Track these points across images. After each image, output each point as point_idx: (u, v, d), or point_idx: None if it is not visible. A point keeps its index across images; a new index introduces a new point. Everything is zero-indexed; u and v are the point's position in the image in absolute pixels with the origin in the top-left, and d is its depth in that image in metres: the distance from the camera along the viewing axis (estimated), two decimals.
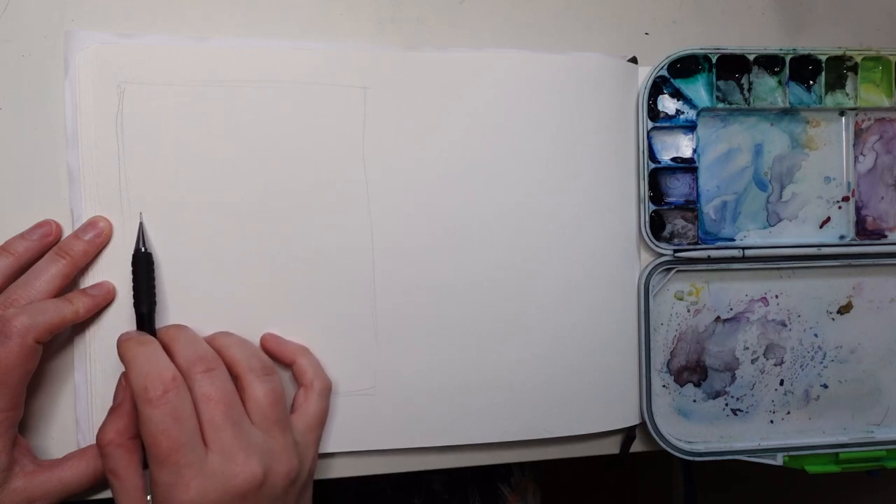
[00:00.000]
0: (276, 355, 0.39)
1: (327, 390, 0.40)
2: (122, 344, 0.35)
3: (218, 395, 0.34)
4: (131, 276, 0.38)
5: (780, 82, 0.45)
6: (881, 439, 0.47)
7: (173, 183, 0.39)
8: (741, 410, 0.47)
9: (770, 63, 0.45)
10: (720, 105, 0.45)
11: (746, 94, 0.45)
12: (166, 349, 0.36)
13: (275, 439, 0.35)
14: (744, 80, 0.45)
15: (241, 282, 0.40)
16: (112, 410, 0.36)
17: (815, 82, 0.46)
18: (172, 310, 0.39)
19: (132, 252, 0.38)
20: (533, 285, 0.43)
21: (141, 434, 0.33)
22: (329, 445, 0.41)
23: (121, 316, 0.39)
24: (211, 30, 0.41)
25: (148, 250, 0.39)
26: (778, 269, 0.46)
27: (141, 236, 0.39)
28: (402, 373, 0.42)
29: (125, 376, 0.35)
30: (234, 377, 0.36)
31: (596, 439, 0.45)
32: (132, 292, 0.38)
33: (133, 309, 0.38)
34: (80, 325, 0.39)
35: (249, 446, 0.34)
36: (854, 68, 0.46)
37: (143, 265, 0.38)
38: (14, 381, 0.35)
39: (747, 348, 0.46)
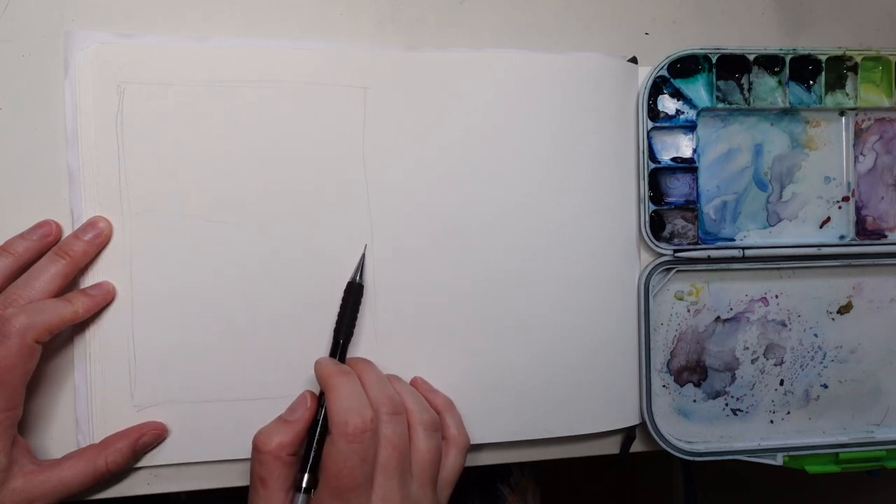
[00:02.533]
0: (427, 401, 0.40)
1: (466, 447, 0.40)
2: (324, 371, 0.37)
3: (398, 442, 0.35)
4: (340, 303, 0.40)
5: (780, 82, 0.45)
6: (881, 439, 0.47)
7: (173, 183, 0.39)
8: (741, 410, 0.47)
9: (770, 63, 0.45)
10: (720, 105, 0.45)
11: (746, 94, 0.45)
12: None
13: (426, 495, 0.36)
14: (744, 80, 0.45)
15: (240, 281, 0.40)
16: (284, 422, 0.36)
17: (815, 82, 0.46)
18: (168, 310, 0.39)
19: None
20: (533, 285, 0.43)
21: (325, 461, 0.34)
22: None
23: (121, 316, 0.39)
24: (211, 30, 0.41)
25: (362, 282, 0.40)
26: (778, 269, 0.46)
27: (360, 268, 0.40)
28: (402, 373, 0.42)
29: (326, 405, 0.36)
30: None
31: (596, 439, 0.45)
32: (336, 318, 0.40)
33: (334, 335, 0.40)
34: (80, 325, 0.39)
35: (406, 498, 0.35)
36: (854, 68, 0.46)
37: (354, 295, 0.40)
38: (13, 381, 0.35)
39: (747, 348, 0.46)
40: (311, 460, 0.36)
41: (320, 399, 0.37)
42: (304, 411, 0.37)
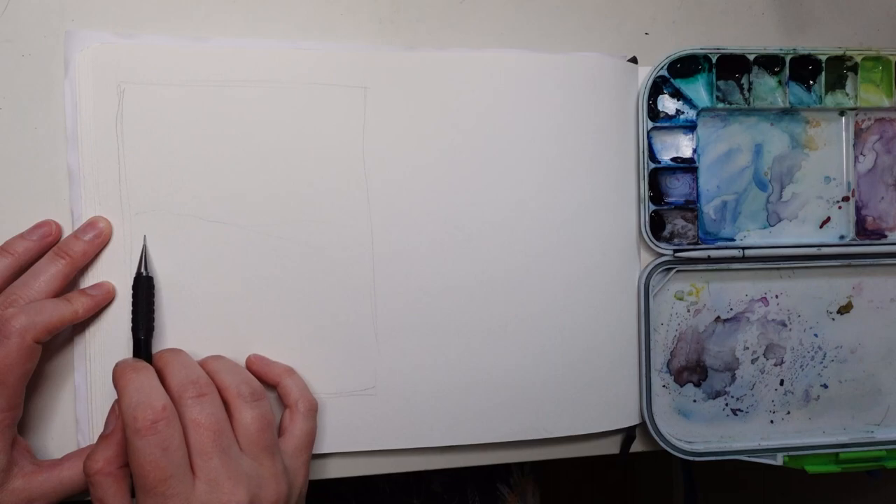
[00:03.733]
0: (262, 377, 0.39)
1: (313, 410, 0.39)
2: (116, 371, 0.35)
3: (207, 422, 0.34)
4: (131, 299, 0.38)
5: (780, 82, 0.45)
6: (881, 439, 0.47)
7: (173, 183, 0.39)
8: (741, 410, 0.47)
9: (770, 63, 0.45)
10: (720, 105, 0.45)
11: (746, 94, 0.45)
12: (160, 374, 0.36)
13: (263, 466, 0.35)
14: (744, 80, 0.45)
15: (240, 281, 0.40)
16: (102, 438, 0.35)
17: (815, 82, 0.46)
18: (167, 309, 0.39)
19: (133, 275, 0.38)
20: (533, 285, 0.43)
21: (129, 464, 0.33)
22: (329, 445, 0.41)
23: (121, 316, 0.39)
24: (211, 30, 0.41)
25: (149, 273, 0.39)
26: (778, 269, 0.46)
27: (143, 259, 0.39)
28: (402, 373, 0.42)
29: (117, 404, 0.35)
30: (224, 402, 0.36)
31: (596, 439, 0.45)
32: (130, 315, 0.38)
33: (131, 332, 0.38)
34: (80, 325, 0.39)
35: (237, 474, 0.34)
36: (854, 68, 0.46)
37: (143, 289, 0.38)
38: (13, 381, 0.35)
39: (747, 348, 0.46)
40: None
41: None
42: (114, 419, 0.36)
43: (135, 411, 0.33)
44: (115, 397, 0.36)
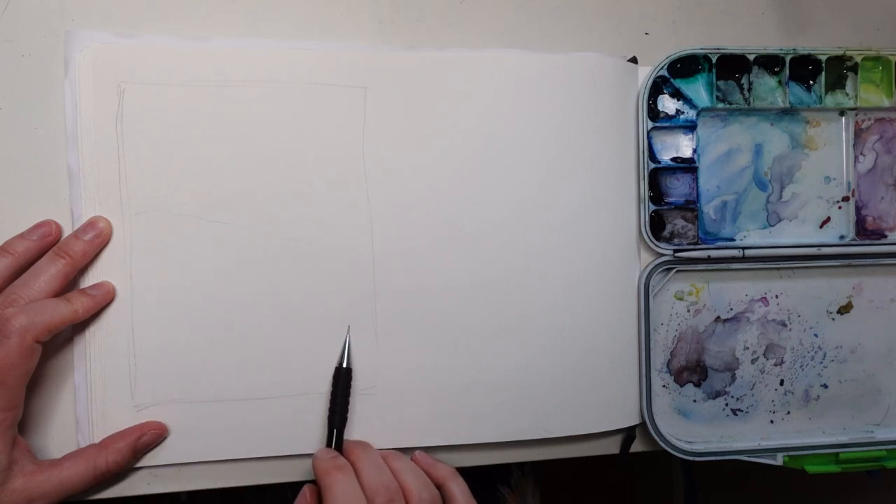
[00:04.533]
0: (427, 475, 0.40)
1: None
2: (322, 466, 0.37)
3: None
4: (330, 389, 0.40)
5: (780, 82, 0.45)
6: (881, 439, 0.47)
7: (173, 183, 0.39)
8: (741, 410, 0.47)
9: (770, 63, 0.45)
10: (720, 105, 0.45)
11: (746, 94, 0.45)
12: (352, 468, 0.38)
13: None
14: (744, 80, 0.45)
15: (240, 281, 0.40)
16: None
17: (815, 82, 0.46)
18: (168, 310, 0.39)
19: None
20: (533, 285, 0.43)
21: None
22: None
23: (121, 316, 0.39)
24: (211, 30, 0.41)
25: (349, 366, 0.40)
26: (778, 269, 0.46)
27: (346, 351, 0.40)
28: (402, 373, 0.42)
29: (309, 490, 0.38)
30: None
31: (596, 439, 0.45)
32: (328, 405, 0.40)
33: (328, 423, 0.40)
34: (80, 325, 0.39)
35: None
36: (854, 68, 0.46)
37: (343, 381, 0.40)
38: (13, 381, 0.35)
39: (747, 348, 0.46)
40: None
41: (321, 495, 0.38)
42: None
43: None
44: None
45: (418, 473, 0.39)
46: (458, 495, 0.40)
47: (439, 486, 0.40)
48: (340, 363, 0.40)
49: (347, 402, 0.40)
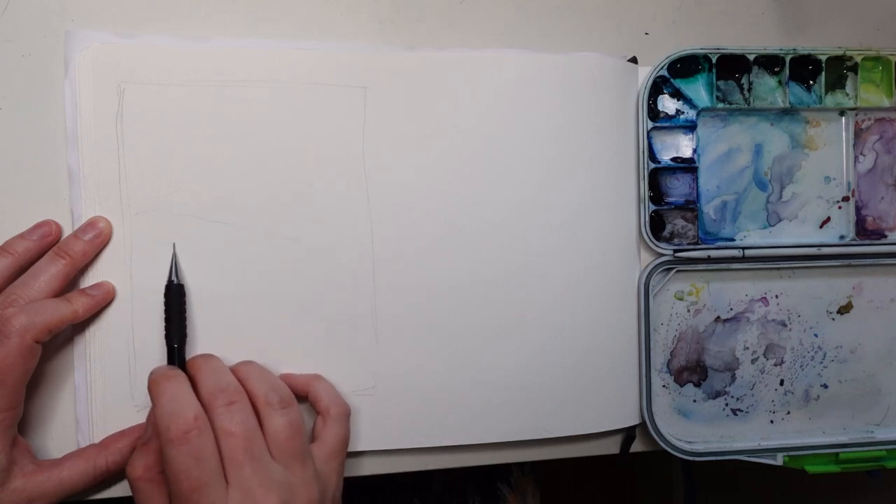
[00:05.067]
0: (291, 387, 0.39)
1: (345, 415, 0.39)
2: (151, 380, 0.36)
3: (238, 430, 0.34)
4: (163, 307, 0.39)
5: (780, 82, 0.45)
6: (881, 439, 0.47)
7: (173, 183, 0.39)
8: (741, 410, 0.47)
9: (770, 63, 0.45)
10: (720, 105, 0.45)
11: (746, 94, 0.45)
12: (193, 380, 0.36)
13: (294, 473, 0.35)
14: (744, 80, 0.45)
15: (239, 281, 0.40)
16: (141, 445, 0.36)
17: (815, 82, 0.46)
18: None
19: (164, 283, 0.39)
20: (533, 285, 0.43)
21: (164, 472, 0.34)
22: None
23: (121, 316, 0.39)
24: (211, 30, 0.41)
25: (180, 281, 0.39)
26: (778, 269, 0.46)
27: (174, 267, 0.39)
28: (402, 373, 0.42)
29: (153, 414, 0.36)
30: (255, 409, 0.36)
31: (596, 439, 0.45)
32: (164, 323, 0.39)
33: (166, 341, 0.38)
34: (80, 325, 0.39)
35: (269, 482, 0.34)
36: (854, 68, 0.46)
37: (175, 297, 0.39)
38: (13, 381, 0.35)
39: (747, 348, 0.46)
40: None
41: None
42: (151, 427, 0.36)
43: (168, 421, 0.33)
44: (145, 403, 0.37)
45: (266, 377, 0.38)
46: (323, 398, 0.39)
47: (305, 394, 0.39)
48: (170, 280, 0.39)
49: (184, 318, 0.39)
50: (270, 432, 0.36)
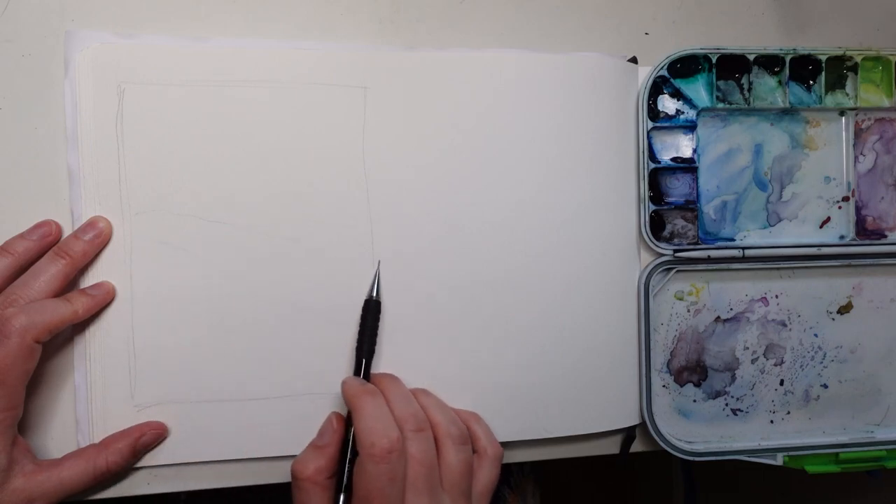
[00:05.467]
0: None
1: (499, 458, 0.40)
2: (350, 391, 0.37)
3: (423, 458, 0.35)
4: (359, 321, 0.40)
5: (780, 82, 0.45)
6: (881, 439, 0.47)
7: (173, 183, 0.39)
8: (741, 410, 0.47)
9: (770, 63, 0.45)
10: (720, 105, 0.45)
11: (746, 94, 0.45)
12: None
13: None
14: (744, 80, 0.45)
15: (240, 281, 0.40)
16: (316, 448, 0.37)
17: (815, 82, 0.46)
18: (168, 310, 0.39)
19: (364, 298, 0.40)
20: (533, 285, 0.43)
21: (355, 483, 0.35)
22: None
23: (121, 316, 0.39)
24: (211, 30, 0.41)
25: (379, 298, 0.40)
26: (778, 269, 0.46)
27: (376, 283, 0.40)
28: (403, 373, 0.42)
29: (354, 426, 0.36)
30: (434, 440, 0.37)
31: (596, 439, 0.45)
32: (357, 336, 0.40)
33: (356, 353, 0.40)
34: (80, 325, 0.39)
35: None
36: (854, 68, 0.46)
37: (372, 312, 0.40)
38: (13, 381, 0.35)
39: (747, 348, 0.46)
40: (344, 482, 0.37)
41: (347, 420, 0.38)
42: (332, 434, 0.37)
43: (372, 436, 0.34)
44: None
45: (446, 409, 0.39)
46: (482, 439, 0.40)
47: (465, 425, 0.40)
48: (370, 295, 0.40)
49: (376, 334, 0.40)
50: (446, 465, 0.37)
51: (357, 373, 0.40)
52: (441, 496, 0.36)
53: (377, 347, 0.40)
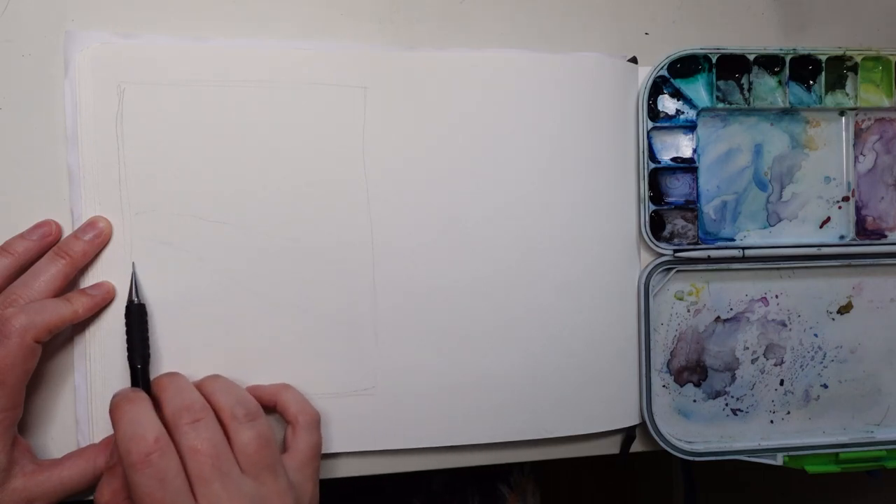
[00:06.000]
0: (258, 399, 0.38)
1: (315, 422, 0.39)
2: (112, 403, 0.35)
3: (204, 447, 0.34)
4: (125, 328, 0.38)
5: (780, 82, 0.45)
6: (881, 439, 0.47)
7: (173, 183, 0.39)
8: (741, 410, 0.47)
9: (770, 63, 0.45)
10: (720, 105, 0.45)
11: (746, 94, 0.45)
12: (157, 401, 0.36)
13: (265, 485, 0.35)
14: (744, 80, 0.45)
15: (240, 281, 0.40)
16: (107, 471, 0.36)
17: (815, 82, 0.46)
18: (169, 310, 0.39)
19: (125, 302, 0.38)
20: (533, 285, 0.43)
21: (131, 496, 0.33)
22: (330, 445, 0.41)
23: (121, 316, 0.39)
24: (211, 30, 0.41)
25: (141, 301, 0.38)
26: (778, 269, 0.46)
27: (133, 287, 0.38)
28: (402, 373, 0.42)
29: (114, 438, 0.35)
30: (221, 424, 0.36)
31: (596, 439, 0.45)
32: (125, 344, 0.38)
33: (129, 362, 0.38)
34: (80, 325, 0.39)
35: (239, 496, 0.33)
36: (854, 68, 0.46)
37: (136, 317, 0.38)
38: (13, 381, 0.35)
39: (747, 348, 0.46)
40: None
41: None
42: (115, 451, 0.35)
43: (128, 445, 0.33)
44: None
45: (232, 390, 0.37)
46: (291, 406, 0.39)
47: (273, 404, 0.39)
48: (130, 300, 0.38)
49: (147, 338, 0.38)
50: (238, 446, 0.35)
51: (134, 383, 0.38)
52: (239, 478, 0.34)
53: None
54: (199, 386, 0.37)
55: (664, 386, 0.46)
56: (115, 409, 0.35)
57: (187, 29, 0.41)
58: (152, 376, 0.38)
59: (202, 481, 0.33)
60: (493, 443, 0.43)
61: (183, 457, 0.34)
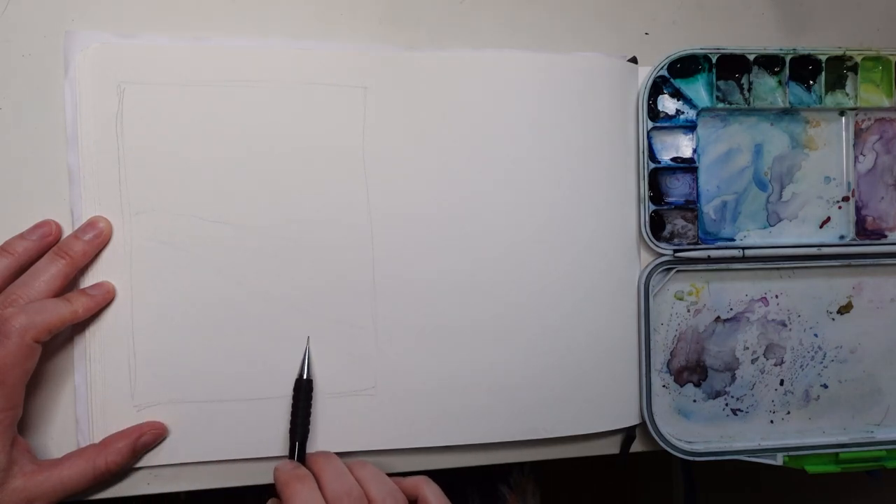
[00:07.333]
0: (399, 486, 0.39)
1: None
2: (281, 477, 0.37)
3: None
4: (291, 402, 0.40)
5: (780, 82, 0.45)
6: (881, 439, 0.47)
7: (173, 183, 0.39)
8: (741, 410, 0.47)
9: (770, 63, 0.45)
10: (720, 105, 0.45)
11: (746, 94, 0.45)
12: (315, 478, 0.37)
13: None
14: (744, 80, 0.45)
15: (240, 281, 0.40)
16: None
17: (815, 82, 0.46)
18: (168, 310, 0.39)
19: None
20: (532, 285, 0.43)
21: None
22: (329, 446, 0.41)
23: (121, 316, 0.39)
24: (211, 30, 0.41)
25: (310, 377, 0.40)
26: (778, 269, 0.46)
27: (306, 363, 0.40)
28: (402, 373, 0.42)
29: None
30: None
31: (596, 439, 0.45)
32: (289, 417, 0.40)
33: (290, 435, 0.40)
34: (80, 325, 0.39)
35: None
36: (854, 68, 0.46)
37: (304, 393, 0.39)
38: (12, 381, 0.35)
39: (747, 348, 0.46)
40: None
41: None
42: None
43: None
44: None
45: (383, 480, 0.38)
46: (431, 497, 0.39)
47: (413, 494, 0.39)
48: (301, 374, 0.40)
49: (309, 414, 0.40)
50: None
51: (291, 455, 0.39)
52: None
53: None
54: (351, 470, 0.39)
55: (664, 386, 0.46)
56: (286, 487, 0.36)
57: (187, 29, 0.41)
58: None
59: None
60: (492, 443, 0.43)
61: None
